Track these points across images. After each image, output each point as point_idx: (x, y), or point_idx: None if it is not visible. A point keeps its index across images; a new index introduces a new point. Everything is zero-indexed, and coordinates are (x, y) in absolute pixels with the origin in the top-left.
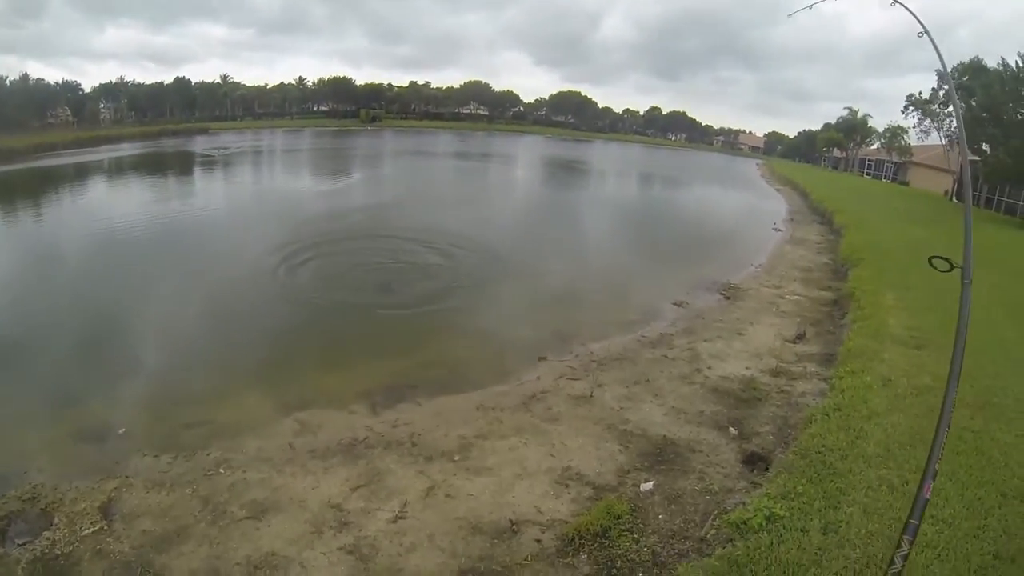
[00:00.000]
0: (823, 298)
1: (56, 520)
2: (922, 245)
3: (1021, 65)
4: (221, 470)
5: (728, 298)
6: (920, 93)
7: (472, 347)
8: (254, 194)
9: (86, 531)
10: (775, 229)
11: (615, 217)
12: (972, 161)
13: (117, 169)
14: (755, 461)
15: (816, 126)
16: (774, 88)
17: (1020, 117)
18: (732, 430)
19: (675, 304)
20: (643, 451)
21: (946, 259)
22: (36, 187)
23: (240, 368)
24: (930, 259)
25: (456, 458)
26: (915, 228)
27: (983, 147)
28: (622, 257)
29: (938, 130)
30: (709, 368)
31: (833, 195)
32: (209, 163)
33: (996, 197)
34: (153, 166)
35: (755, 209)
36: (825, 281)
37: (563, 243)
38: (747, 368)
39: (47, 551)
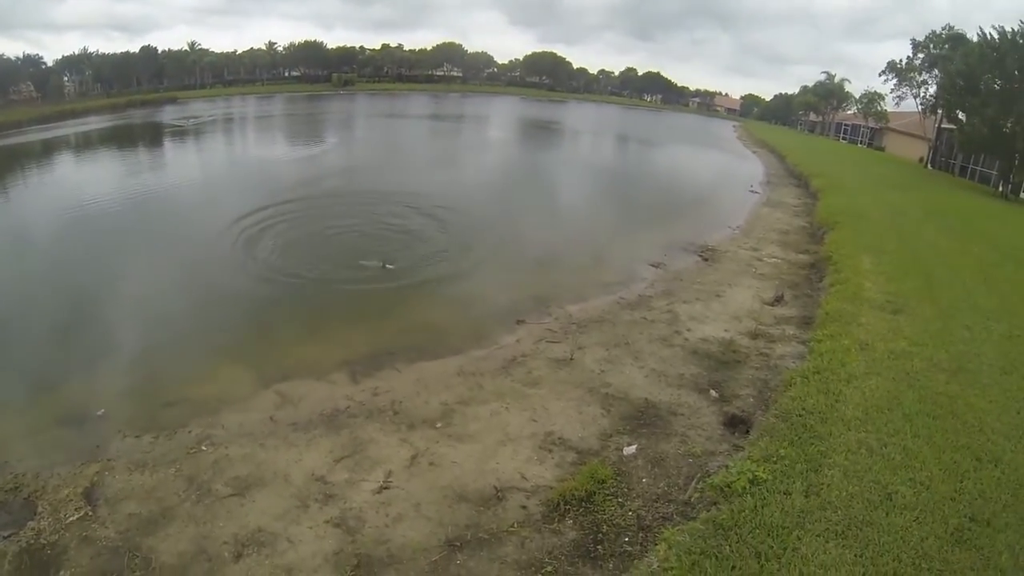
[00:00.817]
0: (801, 261)
1: (40, 509)
2: (897, 209)
3: (997, 35)
4: (203, 447)
5: (706, 260)
6: (901, 61)
7: (450, 312)
8: (226, 163)
9: (71, 518)
10: (751, 191)
11: (590, 179)
12: (948, 129)
13: (83, 144)
14: (736, 424)
15: (792, 89)
16: (750, 50)
17: (997, 87)
18: (713, 393)
19: (653, 265)
20: (625, 414)
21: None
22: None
23: (217, 343)
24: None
25: (438, 425)
26: (891, 193)
27: (959, 116)
28: (598, 219)
29: (914, 97)
30: (688, 330)
31: (809, 159)
32: (177, 133)
33: (970, 166)
34: (120, 139)
35: (731, 171)
36: (802, 244)
37: (538, 205)
38: (726, 330)
39: (33, 542)
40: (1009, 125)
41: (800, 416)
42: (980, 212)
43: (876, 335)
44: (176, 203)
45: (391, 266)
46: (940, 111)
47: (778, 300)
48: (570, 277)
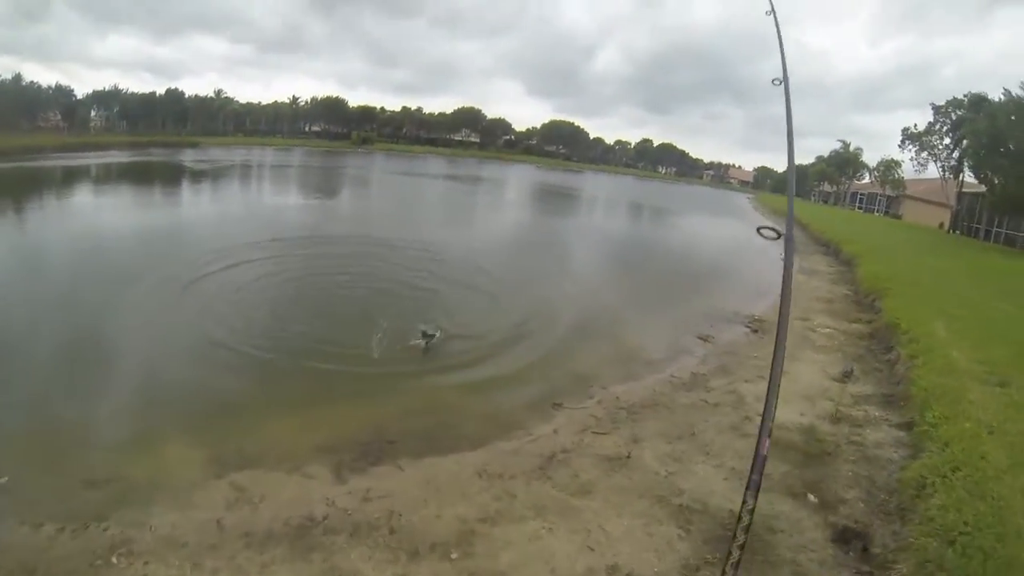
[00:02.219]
0: (856, 331)
1: None
2: (942, 273)
3: None
4: (115, 559)
5: (755, 331)
6: (915, 126)
7: (468, 390)
8: (233, 206)
9: None
10: (783, 259)
11: (617, 246)
12: (970, 194)
13: (94, 175)
14: (850, 539)
15: (804, 161)
16: (763, 124)
17: None
18: (811, 497)
19: (700, 338)
20: (709, 534)
21: (772, 228)
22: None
23: (171, 407)
24: (758, 229)
25: (453, 556)
26: (927, 257)
27: (988, 176)
28: (631, 287)
29: (935, 161)
30: (759, 415)
31: (832, 227)
32: (191, 175)
33: (995, 229)
34: (132, 174)
35: (756, 239)
36: (852, 313)
37: (564, 271)
38: (802, 414)
39: None
40: None
41: (967, 535)
42: (1017, 272)
43: (997, 415)
44: (170, 240)
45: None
46: (961, 176)
47: (847, 375)
48: (609, 350)
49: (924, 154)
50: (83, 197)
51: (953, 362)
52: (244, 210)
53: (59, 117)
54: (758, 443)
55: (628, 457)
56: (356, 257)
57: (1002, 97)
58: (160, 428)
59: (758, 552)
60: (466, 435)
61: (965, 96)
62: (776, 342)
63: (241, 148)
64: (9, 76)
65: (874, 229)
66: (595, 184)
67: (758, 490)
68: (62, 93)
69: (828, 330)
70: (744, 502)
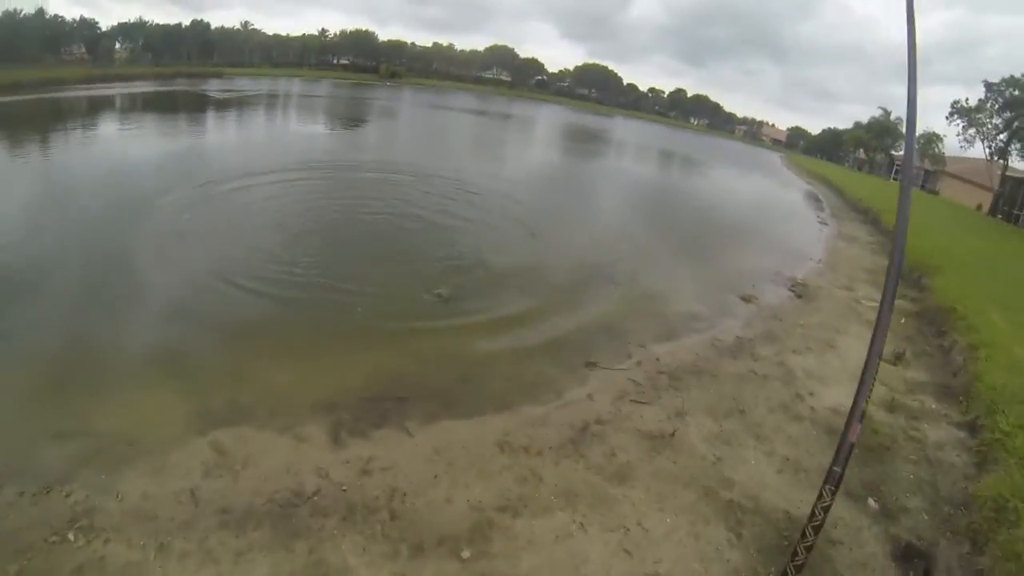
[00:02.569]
0: (903, 308)
1: None
2: (990, 257)
3: None
4: (72, 535)
5: (800, 296)
6: (967, 100)
7: (493, 340)
8: (256, 133)
9: None
10: (820, 223)
11: (653, 192)
12: (1014, 178)
13: (110, 105)
14: (911, 558)
15: (837, 125)
16: (799, 84)
17: None
18: (872, 502)
19: (743, 299)
20: (763, 541)
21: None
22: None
23: (162, 345)
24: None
25: (465, 553)
26: (972, 238)
27: None
28: (667, 236)
29: (982, 141)
30: (811, 394)
31: (869, 194)
32: (216, 104)
33: None
34: (155, 103)
35: (793, 199)
36: (899, 288)
37: (594, 213)
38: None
39: None
40: None
41: None
42: None
43: None
44: (184, 165)
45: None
46: (1007, 159)
47: (899, 358)
48: (647, 304)
49: (972, 131)
50: (105, 126)
51: (1019, 361)
52: (266, 137)
53: (83, 50)
54: (846, 428)
55: (672, 435)
56: (380, 187)
57: None
58: (146, 370)
59: (812, 565)
60: (488, 394)
61: (1021, 77)
62: (876, 327)
63: (267, 79)
64: (32, 10)
65: (912, 202)
66: (625, 129)
67: (839, 484)
68: (86, 26)
69: (873, 303)
70: (820, 496)
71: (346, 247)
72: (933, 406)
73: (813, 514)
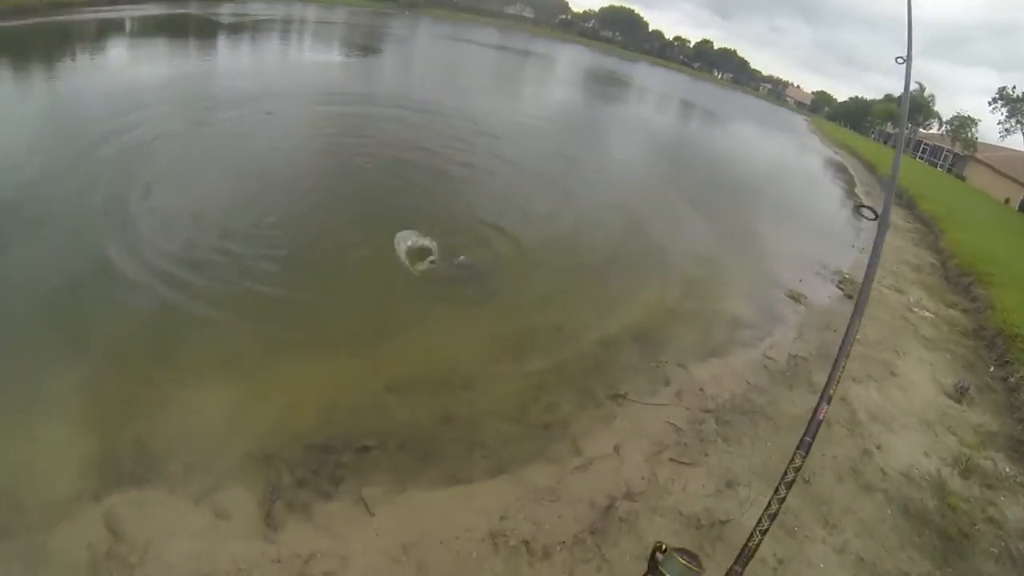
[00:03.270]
0: (958, 322)
1: None
2: None
3: None
4: None
5: (849, 297)
6: (1014, 88)
7: (492, 349)
8: (263, 61)
9: None
10: (856, 203)
11: (678, 155)
12: None
13: (116, 29)
14: None
15: (864, 95)
16: (828, 47)
17: None
18: None
19: (790, 297)
20: None
21: (870, 207)
22: None
23: (74, 345)
24: (859, 207)
25: None
26: (1017, 240)
27: None
28: (701, 207)
29: None
30: (878, 447)
31: (901, 174)
32: (225, 28)
33: None
34: (163, 28)
35: (825, 171)
36: (947, 293)
37: (620, 177)
38: (927, 454)
39: None
40: None
41: None
42: None
43: None
44: (171, 92)
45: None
46: None
47: (963, 393)
48: (686, 299)
49: (1013, 121)
50: (107, 53)
51: None
52: (272, 65)
53: None
54: (816, 408)
55: (724, 523)
56: (384, 125)
57: None
58: (43, 387)
59: None
60: (480, 445)
61: None
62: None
63: (282, 3)
64: None
65: (942, 186)
66: (648, 76)
67: (808, 451)
68: None
69: (928, 314)
70: (792, 460)
71: (327, 206)
72: (1008, 469)
73: (785, 473)
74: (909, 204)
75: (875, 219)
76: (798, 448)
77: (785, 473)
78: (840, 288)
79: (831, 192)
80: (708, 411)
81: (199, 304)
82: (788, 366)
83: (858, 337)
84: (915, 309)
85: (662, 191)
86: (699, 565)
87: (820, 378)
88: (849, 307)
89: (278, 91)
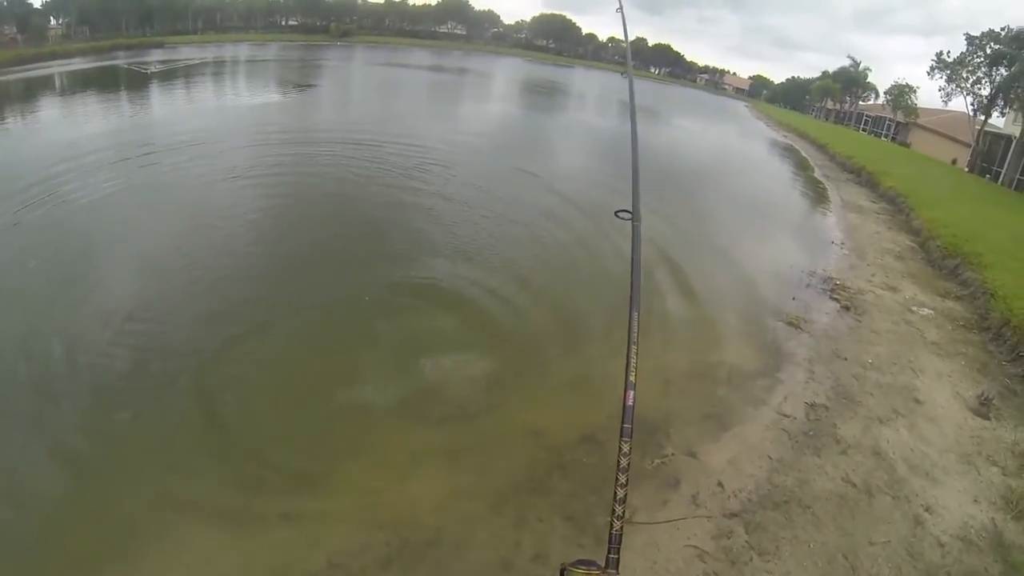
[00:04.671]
0: (958, 315)
1: None
2: (1020, 236)
3: None
4: None
5: (847, 309)
6: (948, 53)
7: (443, 479)
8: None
9: None
10: (819, 189)
11: (624, 161)
12: (993, 134)
13: (41, 86)
14: None
15: (800, 74)
16: (758, 32)
17: None
18: None
19: (789, 324)
20: None
21: (626, 209)
22: None
23: None
24: (617, 212)
25: None
26: (989, 209)
27: None
28: (659, 223)
29: (964, 95)
30: (927, 510)
31: (853, 150)
32: (153, 77)
33: (1018, 176)
34: (90, 82)
35: (778, 159)
36: (936, 280)
37: (573, 189)
38: (975, 499)
39: None
40: None
41: None
42: None
43: None
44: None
45: None
46: (988, 115)
47: (986, 404)
48: (671, 358)
49: (952, 85)
50: (33, 110)
51: None
52: (201, 112)
53: (14, 30)
54: (624, 397)
55: None
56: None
57: None
58: None
59: None
60: None
61: (1002, 30)
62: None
63: (213, 46)
64: None
65: (894, 157)
66: (586, 80)
67: (631, 436)
68: (17, 4)
69: (927, 311)
70: (620, 448)
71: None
72: None
73: (618, 462)
74: (870, 183)
75: (631, 218)
76: (622, 436)
77: (618, 462)
78: (836, 299)
79: (790, 180)
80: (734, 515)
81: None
82: (808, 422)
83: (869, 361)
84: (913, 308)
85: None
86: (599, 568)
87: (845, 429)
88: (849, 319)
89: (204, 139)
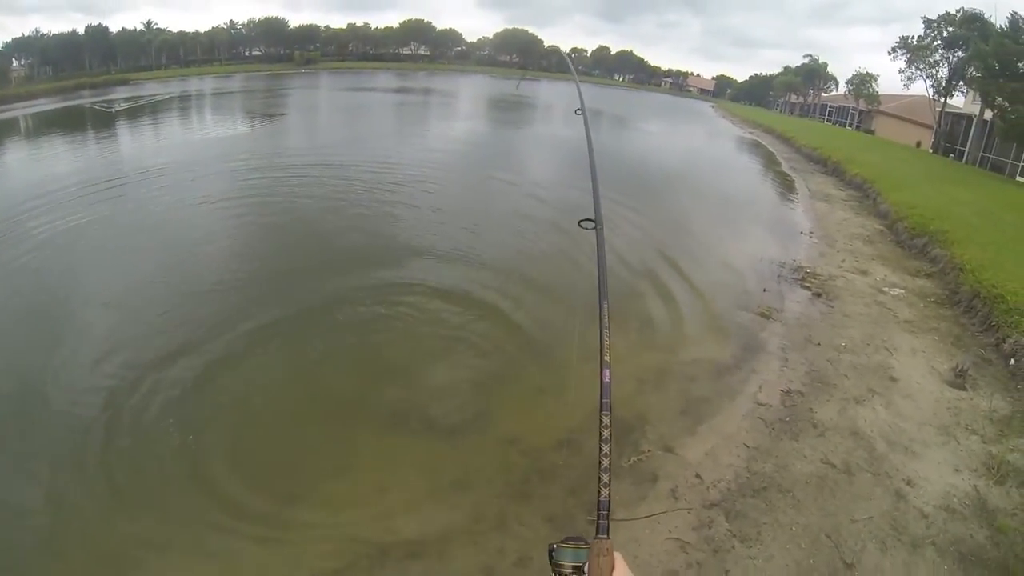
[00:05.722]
0: (930, 292)
1: None
2: (988, 215)
3: None
4: None
5: (818, 295)
6: (912, 38)
7: (422, 488)
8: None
9: None
10: (787, 181)
11: (607, 166)
12: (953, 115)
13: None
14: None
15: (762, 71)
16: (719, 33)
17: None
18: None
19: (761, 315)
20: None
21: (588, 219)
22: None
23: None
24: (579, 222)
25: None
26: (952, 188)
27: (1000, 102)
28: (630, 223)
29: (924, 79)
30: (909, 484)
31: (819, 141)
32: (119, 114)
33: (980, 153)
34: (53, 123)
35: (745, 153)
36: (906, 260)
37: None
38: (956, 468)
39: None
40: None
41: None
42: None
43: None
44: None
45: None
46: (948, 97)
47: (962, 375)
48: (645, 356)
49: (913, 68)
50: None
51: None
52: (166, 147)
53: None
54: (600, 375)
55: None
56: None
57: (1008, 20)
58: None
59: None
60: None
61: (957, 12)
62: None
63: (177, 80)
64: None
65: (860, 145)
66: (552, 92)
67: (610, 410)
68: None
69: (899, 291)
70: (601, 421)
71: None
72: None
73: (600, 433)
74: (837, 172)
75: (595, 227)
76: (601, 411)
77: (600, 434)
78: (807, 287)
79: (758, 175)
80: (714, 505)
81: None
82: (784, 408)
83: (842, 344)
84: (884, 289)
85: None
86: (586, 543)
87: (822, 412)
88: (820, 305)
89: (172, 171)
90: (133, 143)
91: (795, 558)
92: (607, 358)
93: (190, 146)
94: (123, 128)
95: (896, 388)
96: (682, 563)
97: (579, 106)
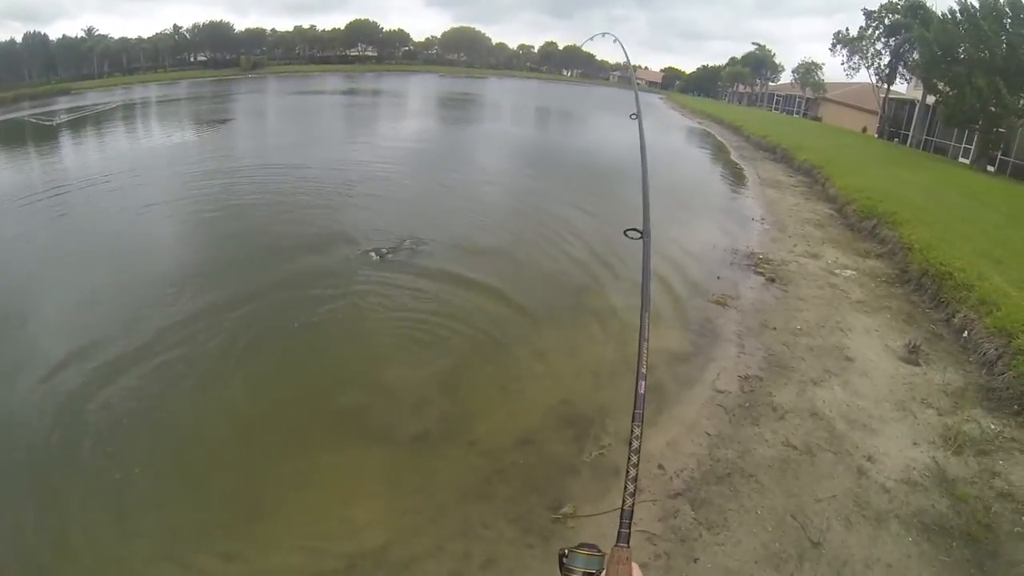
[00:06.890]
0: (881, 272)
1: None
2: (934, 195)
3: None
4: None
5: (771, 280)
6: (847, 30)
7: (381, 493)
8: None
9: None
10: (737, 170)
11: (544, 160)
12: (896, 100)
13: None
14: None
15: (710, 62)
16: (666, 25)
17: (985, 55)
18: None
19: (716, 303)
20: None
21: (636, 229)
22: None
23: None
24: (626, 231)
25: None
26: (896, 170)
27: (942, 87)
28: (582, 219)
29: (867, 67)
30: (870, 459)
31: (768, 129)
32: (58, 127)
33: (925, 137)
34: None
35: (695, 144)
36: (856, 242)
37: (495, 194)
38: (914, 442)
39: None
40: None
41: None
42: (1001, 191)
43: None
44: None
45: None
46: (890, 83)
47: (915, 351)
48: (602, 351)
49: (856, 58)
50: None
51: None
52: (117, 153)
53: None
54: (636, 385)
55: None
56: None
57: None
58: None
59: None
60: None
61: (898, 1)
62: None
63: (121, 88)
64: None
65: (808, 132)
66: (500, 89)
67: (642, 421)
68: None
69: (851, 272)
70: (632, 431)
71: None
72: (992, 425)
73: (630, 443)
74: (786, 159)
75: (640, 237)
76: (633, 421)
77: (631, 444)
78: (760, 273)
79: (708, 165)
80: (678, 494)
81: None
82: (744, 394)
83: (797, 327)
84: (836, 271)
85: (530, 210)
86: (599, 551)
87: (781, 396)
88: (775, 290)
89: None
90: (76, 157)
91: (762, 541)
92: (644, 369)
93: (135, 155)
94: (68, 141)
95: (852, 367)
96: (650, 554)
97: (634, 111)
